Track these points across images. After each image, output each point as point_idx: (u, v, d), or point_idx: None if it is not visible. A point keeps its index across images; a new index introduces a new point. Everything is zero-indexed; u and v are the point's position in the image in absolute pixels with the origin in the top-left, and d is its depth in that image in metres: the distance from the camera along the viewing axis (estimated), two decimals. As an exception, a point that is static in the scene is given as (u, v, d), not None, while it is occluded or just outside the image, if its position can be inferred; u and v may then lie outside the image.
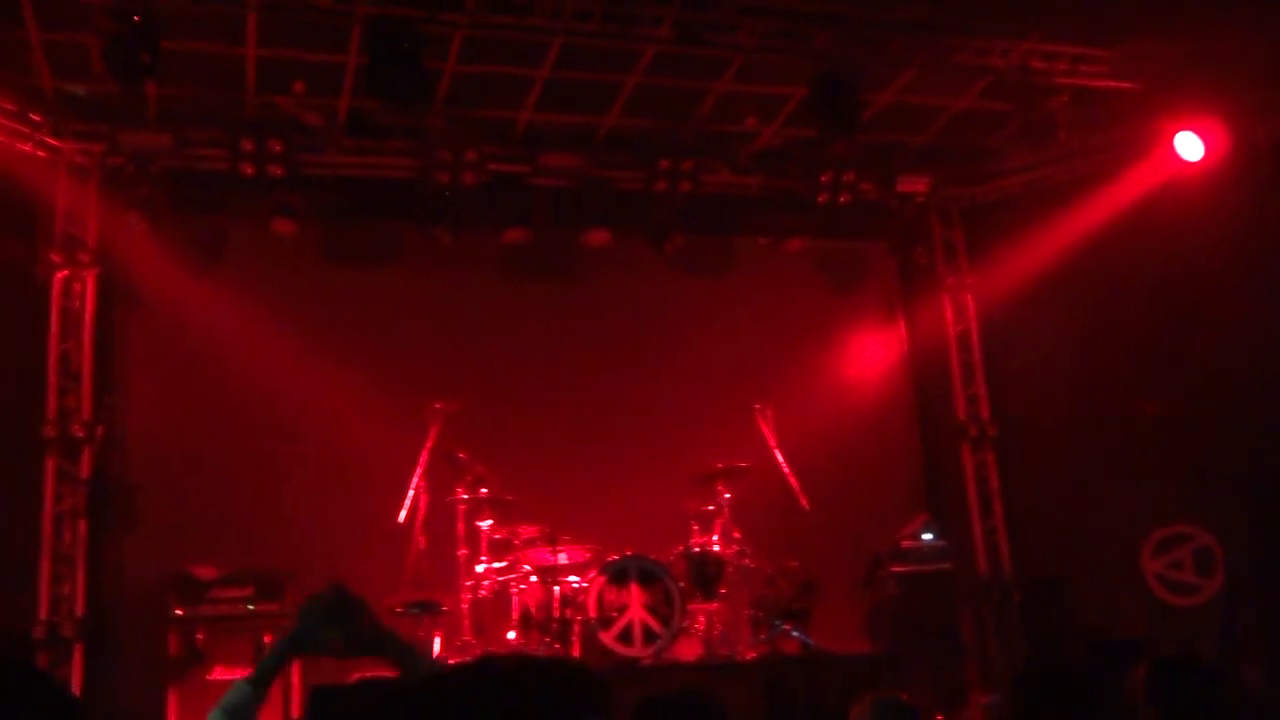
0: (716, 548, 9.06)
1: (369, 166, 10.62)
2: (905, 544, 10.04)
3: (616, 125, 10.72)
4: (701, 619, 8.93)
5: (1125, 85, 10.12)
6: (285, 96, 9.79)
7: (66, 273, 9.84)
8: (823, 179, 10.87)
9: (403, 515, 8.59)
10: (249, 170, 9.85)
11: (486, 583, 8.76)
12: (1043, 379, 11.28)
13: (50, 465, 9.50)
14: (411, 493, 8.66)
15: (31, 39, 8.84)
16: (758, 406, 9.61)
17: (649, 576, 8.54)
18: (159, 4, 8.09)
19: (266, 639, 8.74)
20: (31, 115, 9.66)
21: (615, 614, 8.42)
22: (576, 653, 8.39)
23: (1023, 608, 11.02)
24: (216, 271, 10.33)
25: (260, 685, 2.92)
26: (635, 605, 8.45)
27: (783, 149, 11.18)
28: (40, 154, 9.82)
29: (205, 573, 8.97)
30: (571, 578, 8.69)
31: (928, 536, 10.10)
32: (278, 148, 9.84)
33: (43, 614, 9.19)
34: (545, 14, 8.82)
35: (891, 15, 9.28)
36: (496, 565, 8.82)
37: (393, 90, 8.54)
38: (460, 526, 8.84)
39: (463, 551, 8.80)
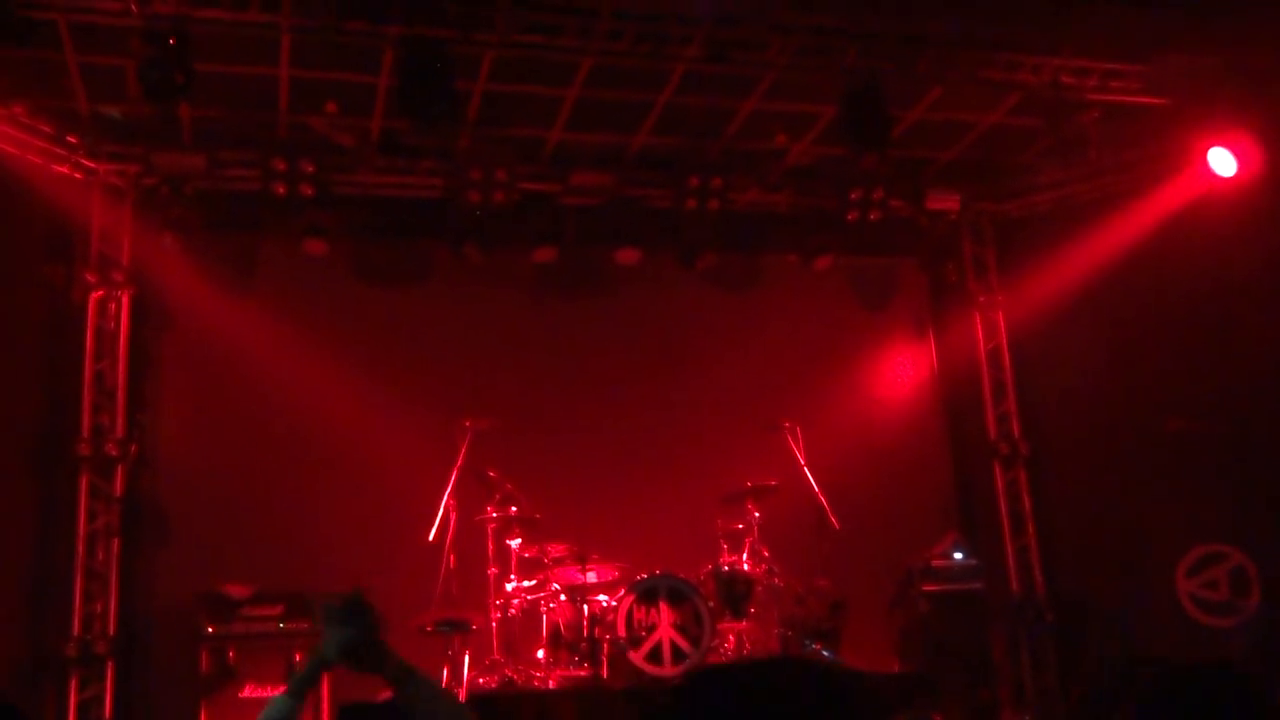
0: (746, 566, 9.03)
1: (400, 186, 10.69)
2: (936, 563, 9.98)
3: (646, 144, 10.74)
4: (731, 638, 8.90)
5: (1157, 101, 10.05)
6: (318, 117, 9.87)
7: (101, 292, 9.94)
8: (852, 196, 10.83)
9: (433, 533, 8.61)
10: (281, 190, 9.90)
11: (516, 601, 8.76)
12: (1074, 396, 11.20)
13: (84, 483, 9.59)
14: (441, 511, 8.67)
15: (68, 62, 8.95)
16: (787, 424, 9.58)
17: (678, 595, 8.52)
18: (193, 26, 8.18)
19: (297, 657, 8.78)
20: (68, 137, 9.78)
21: (644, 633, 8.39)
22: (605, 673, 8.38)
23: (1055, 628, 10.93)
24: (249, 291, 10.42)
25: (297, 696, 2.96)
26: (664, 624, 8.43)
27: (812, 166, 11.17)
28: (76, 175, 9.95)
29: (237, 591, 9.01)
30: (601, 596, 8.68)
31: (959, 555, 10.03)
32: (310, 168, 9.90)
33: (75, 631, 9.26)
34: (576, 34, 8.86)
35: (921, 31, 9.26)
36: (526, 584, 8.82)
37: (424, 110, 8.59)
38: (490, 545, 8.85)
39: (492, 570, 8.81)
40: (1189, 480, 10.16)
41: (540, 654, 8.67)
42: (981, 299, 11.90)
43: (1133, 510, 10.43)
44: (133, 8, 8.10)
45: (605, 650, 8.43)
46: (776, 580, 9.08)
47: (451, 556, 8.62)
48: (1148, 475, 10.42)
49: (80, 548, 9.43)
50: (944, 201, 11.72)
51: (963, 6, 8.52)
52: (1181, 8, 8.61)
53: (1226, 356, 10.16)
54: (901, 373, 11.96)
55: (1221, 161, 10.09)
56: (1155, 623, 10.16)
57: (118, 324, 9.97)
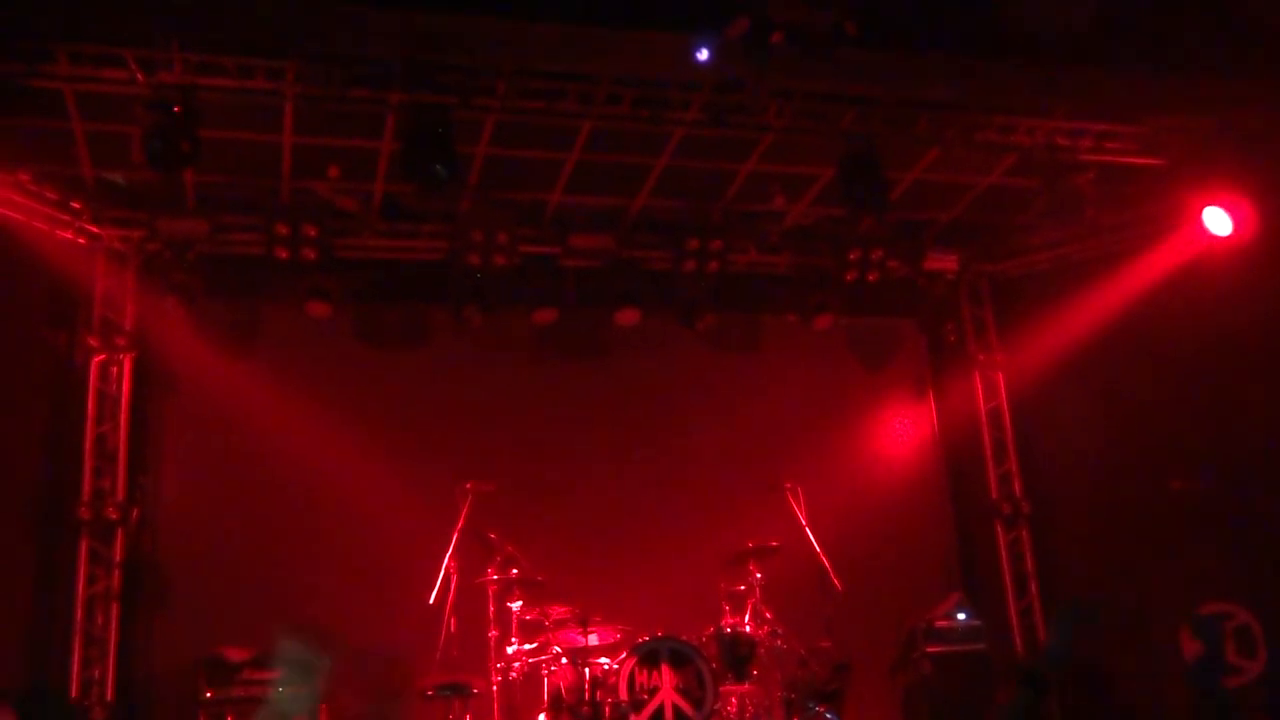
0: (748, 628, 8.97)
1: (402, 249, 10.78)
2: (939, 623, 9.93)
3: (646, 206, 10.84)
4: (734, 701, 8.81)
5: (1152, 161, 10.16)
6: (321, 181, 9.98)
7: (103, 356, 9.99)
8: (851, 257, 10.90)
9: (433, 596, 8.56)
10: (283, 254, 9.97)
11: (517, 664, 8.70)
12: (1076, 455, 11.20)
13: (84, 547, 9.56)
14: (442, 573, 8.64)
15: (74, 130, 9.05)
16: (789, 485, 9.55)
17: (680, 658, 8.46)
18: (199, 94, 8.28)
19: (296, 722, 8.73)
20: (72, 203, 9.87)
21: (646, 696, 8.32)
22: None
23: (1059, 689, 10.83)
24: (251, 354, 10.46)
25: None
26: (667, 687, 8.36)
27: (811, 227, 11.28)
28: (80, 240, 10.03)
29: (236, 654, 8.95)
30: (602, 659, 8.61)
31: (962, 616, 9.98)
32: (312, 232, 9.98)
33: (73, 697, 9.18)
34: (576, 99, 8.98)
35: (917, 95, 9.37)
36: (527, 647, 8.76)
37: (425, 175, 8.67)
38: (491, 607, 8.79)
39: (493, 633, 8.75)
40: (1192, 539, 10.13)
41: (541, 718, 8.59)
42: (981, 359, 11.94)
43: (1136, 570, 10.38)
44: (138, 76, 8.22)
45: (607, 713, 8.36)
46: (779, 642, 9.02)
47: (452, 619, 8.56)
48: (1151, 534, 10.39)
49: (79, 612, 9.39)
50: (942, 262, 11.82)
51: (957, 70, 8.63)
52: (1175, 69, 8.70)
53: (1227, 414, 10.17)
54: (902, 433, 11.97)
55: (1217, 221, 10.17)
56: (1162, 683, 10.07)
57: (119, 388, 10.00)
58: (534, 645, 8.75)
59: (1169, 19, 8.26)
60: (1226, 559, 10.01)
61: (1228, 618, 9.99)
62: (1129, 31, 8.20)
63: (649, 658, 8.42)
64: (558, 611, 8.76)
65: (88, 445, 9.79)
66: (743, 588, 9.14)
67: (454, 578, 8.64)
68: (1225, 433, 10.15)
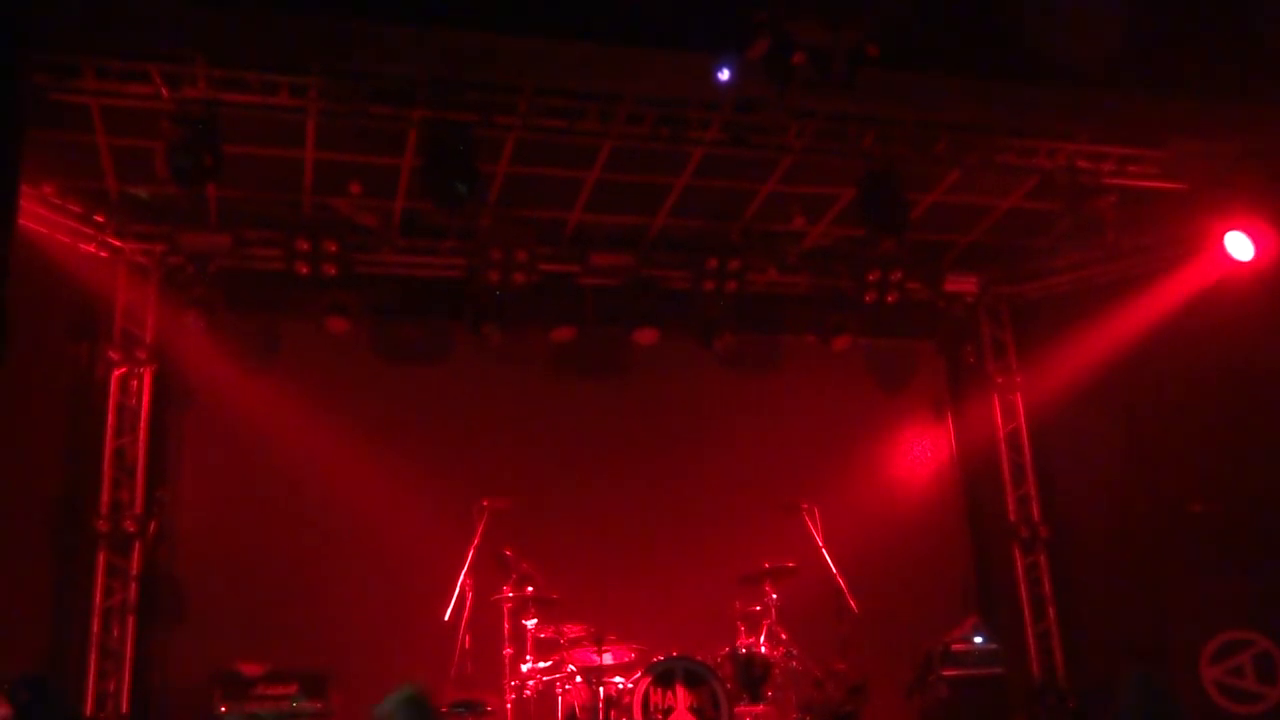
0: (764, 649, 8.94)
1: (421, 266, 10.81)
2: (956, 647, 9.86)
3: (665, 225, 10.86)
4: (748, 722, 8.79)
5: (1174, 185, 10.13)
6: (342, 198, 10.02)
7: (124, 369, 10.05)
8: (870, 278, 10.90)
9: (448, 613, 8.56)
10: (304, 269, 10.02)
11: (531, 682, 8.68)
12: (1095, 479, 11.14)
13: (101, 559, 9.60)
14: (457, 590, 8.64)
15: (99, 144, 9.12)
16: (805, 506, 9.52)
17: (694, 678, 8.43)
18: (222, 110, 8.33)
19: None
20: (96, 217, 9.95)
21: (660, 716, 8.29)
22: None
23: (1077, 714, 10.76)
24: (270, 369, 10.50)
25: None
26: (681, 707, 8.33)
27: (830, 248, 11.27)
28: (103, 254, 10.10)
29: (251, 669, 8.96)
30: (616, 678, 8.59)
31: (979, 639, 9.92)
32: (333, 247, 10.03)
33: (88, 710, 9.20)
34: (597, 118, 9.01)
35: (938, 116, 9.38)
36: (541, 665, 8.75)
37: (446, 192, 8.70)
38: (506, 625, 8.79)
39: (508, 650, 8.74)
40: (1212, 564, 10.06)
41: (555, 736, 8.57)
42: (1000, 381, 11.91)
43: (1155, 594, 10.31)
44: (163, 92, 8.28)
45: (621, 733, 8.34)
46: (794, 663, 8.99)
47: (467, 636, 8.56)
48: (1170, 559, 10.33)
49: (95, 624, 9.43)
50: (962, 284, 11.80)
51: (979, 93, 8.61)
52: (1198, 93, 8.67)
53: (1247, 438, 10.11)
54: (920, 454, 11.94)
55: (1238, 246, 10.13)
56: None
57: (139, 401, 10.05)
58: (549, 663, 8.74)
59: (1191, 43, 8.24)
60: (1246, 584, 9.93)
61: (1249, 645, 9.92)
62: (1151, 55, 8.18)
63: (664, 677, 8.39)
64: (573, 630, 8.75)
65: (107, 457, 9.85)
66: (758, 608, 9.11)
67: (469, 594, 8.65)
68: (1245, 457, 10.08)
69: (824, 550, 9.30)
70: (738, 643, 9.00)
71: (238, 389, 10.21)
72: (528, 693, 8.66)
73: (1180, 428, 10.46)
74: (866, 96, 7.73)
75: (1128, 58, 8.03)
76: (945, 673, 9.77)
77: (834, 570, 9.18)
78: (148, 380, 10.11)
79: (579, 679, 8.57)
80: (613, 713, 8.39)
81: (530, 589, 8.81)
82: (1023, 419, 11.84)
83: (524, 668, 8.69)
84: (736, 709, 8.58)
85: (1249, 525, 9.91)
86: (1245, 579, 9.93)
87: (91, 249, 10.02)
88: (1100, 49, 7.83)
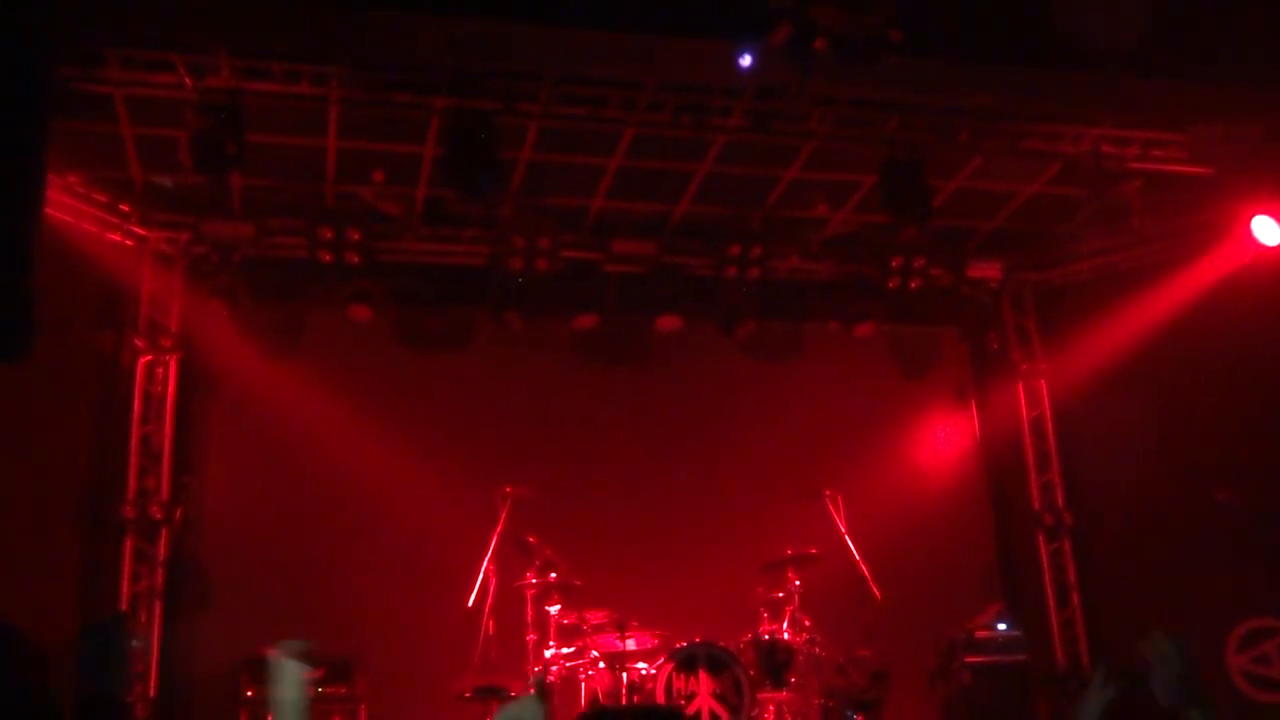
0: (786, 635, 8.95)
1: (444, 254, 10.83)
2: (979, 634, 9.84)
3: (688, 212, 10.85)
4: (771, 708, 8.79)
5: (1199, 170, 10.05)
6: (365, 186, 10.05)
7: (149, 357, 10.12)
8: (893, 264, 10.86)
9: (472, 599, 8.60)
10: (327, 258, 10.06)
11: (554, 668, 8.71)
12: (1119, 466, 11.08)
13: (128, 546, 9.68)
14: (481, 576, 8.68)
15: (124, 134, 9.18)
16: (828, 493, 9.52)
17: (718, 664, 8.45)
18: (245, 99, 8.37)
19: (336, 721, 8.82)
20: (121, 206, 10.01)
21: (683, 701, 8.32)
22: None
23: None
24: (294, 357, 10.55)
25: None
26: (704, 693, 8.36)
27: (853, 235, 11.23)
28: (128, 243, 10.16)
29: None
30: (640, 664, 8.62)
31: (1002, 626, 9.89)
32: (356, 236, 10.05)
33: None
34: (619, 105, 9.01)
35: (961, 102, 9.33)
36: (565, 651, 8.78)
37: (468, 180, 8.72)
38: (529, 611, 8.82)
39: (531, 636, 8.77)
40: (1237, 552, 10.00)
41: (579, 722, 8.60)
42: (1024, 367, 11.86)
43: (1180, 582, 10.25)
44: (187, 81, 8.32)
45: (644, 719, 8.37)
46: (817, 650, 9.00)
47: (490, 622, 8.60)
48: (1195, 546, 10.26)
49: (123, 610, 9.48)
50: (985, 270, 11.75)
51: (1002, 78, 8.57)
52: (1223, 77, 8.60)
53: (1273, 426, 10.04)
54: (944, 441, 11.90)
55: (1265, 230, 10.03)
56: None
57: (165, 388, 10.12)
58: (572, 649, 8.77)
59: (1216, 27, 8.17)
60: (1273, 572, 9.87)
61: (1277, 632, 9.87)
62: (1176, 39, 8.12)
63: (686, 663, 8.42)
64: (595, 616, 8.78)
65: (133, 445, 9.92)
66: (781, 595, 9.12)
67: (493, 581, 8.69)
68: (1270, 445, 10.01)
69: (847, 537, 9.30)
70: (760, 629, 9.01)
71: (262, 377, 10.27)
72: (551, 678, 8.70)
73: (1206, 415, 10.40)
74: (889, 82, 7.73)
75: (1152, 42, 7.97)
76: (968, 660, 9.75)
77: (857, 557, 9.18)
78: (173, 368, 10.18)
79: (602, 665, 8.60)
80: (635, 698, 8.41)
81: (553, 575, 8.84)
82: (1047, 405, 11.79)
83: (547, 653, 8.73)
84: (759, 695, 8.60)
85: (1275, 513, 9.84)
86: (1271, 567, 9.87)
87: (117, 238, 10.09)
88: (1124, 33, 7.77)
